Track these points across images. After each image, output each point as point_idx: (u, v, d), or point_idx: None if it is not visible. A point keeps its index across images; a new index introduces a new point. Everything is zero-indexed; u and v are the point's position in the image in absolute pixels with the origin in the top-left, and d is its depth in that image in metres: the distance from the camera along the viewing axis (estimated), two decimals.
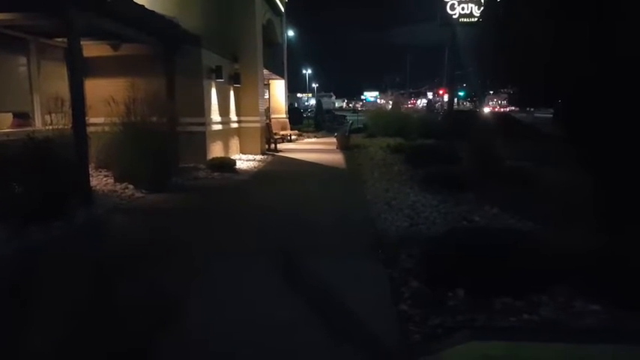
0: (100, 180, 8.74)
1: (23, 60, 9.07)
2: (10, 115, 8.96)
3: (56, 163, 5.97)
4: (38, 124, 8.93)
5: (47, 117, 7.78)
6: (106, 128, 8.56)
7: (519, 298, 3.54)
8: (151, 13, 9.26)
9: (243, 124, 14.78)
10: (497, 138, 10.57)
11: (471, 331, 3.10)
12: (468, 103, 65.37)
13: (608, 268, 3.57)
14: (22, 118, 9.06)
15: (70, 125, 7.06)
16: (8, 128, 8.45)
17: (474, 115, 25.83)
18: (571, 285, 3.68)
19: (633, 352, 2.88)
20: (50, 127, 7.36)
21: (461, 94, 60.12)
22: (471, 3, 25.82)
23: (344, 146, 16.54)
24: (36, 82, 9.19)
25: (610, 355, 2.81)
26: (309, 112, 44.99)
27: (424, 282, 3.90)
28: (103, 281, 4.21)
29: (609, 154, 4.36)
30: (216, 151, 12.19)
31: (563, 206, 5.86)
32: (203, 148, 11.36)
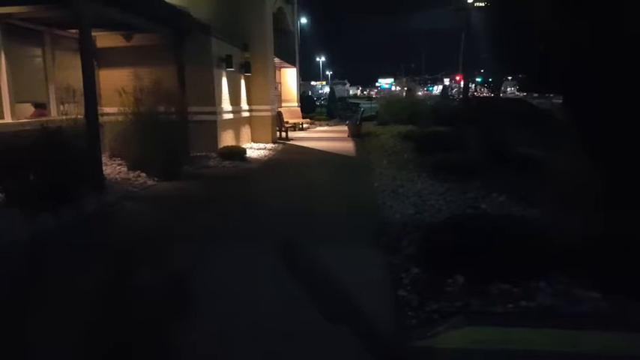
0: (113, 168, 8.92)
1: (39, 51, 9.25)
2: (30, 106, 9.16)
3: (69, 151, 6.13)
4: (54, 113, 9.11)
5: (62, 107, 7.96)
6: (120, 118, 8.73)
7: (518, 285, 3.57)
8: (161, 3, 9.36)
9: (254, 113, 14.88)
10: (509, 124, 10.49)
11: (467, 316, 3.17)
12: (485, 89, 64.56)
13: (606, 252, 3.58)
14: (39, 108, 9.26)
15: (83, 115, 7.21)
16: (27, 118, 8.65)
17: (488, 101, 25.56)
18: (571, 271, 3.71)
19: (626, 338, 2.92)
20: (64, 117, 7.55)
21: (478, 79, 59.37)
22: None
23: (355, 134, 16.55)
24: (51, 72, 9.37)
25: (603, 342, 2.86)
26: (323, 99, 44.88)
27: (424, 268, 3.96)
28: (113, 266, 4.35)
29: (614, 137, 4.33)
30: (227, 139, 12.32)
31: (569, 193, 5.86)
32: (214, 137, 11.49)
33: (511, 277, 3.64)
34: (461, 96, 32.12)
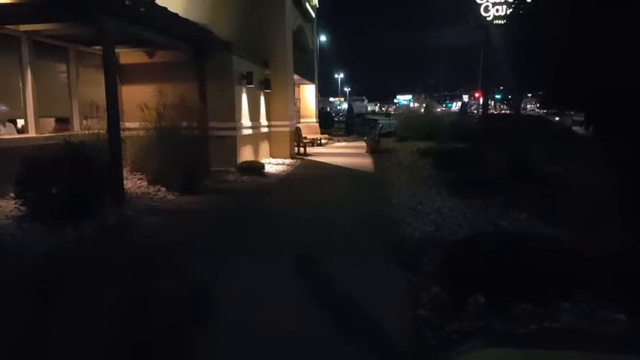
0: (134, 182, 9.03)
1: (63, 67, 9.49)
2: (51, 120, 9.38)
3: (91, 165, 6.22)
4: (77, 128, 9.30)
5: (85, 122, 8.12)
6: (141, 133, 8.88)
7: (540, 305, 3.48)
8: (184, 21, 9.54)
9: (272, 129, 14.99)
10: (529, 141, 10.37)
11: (488, 337, 3.09)
12: (504, 106, 64.06)
13: (633, 273, 3.49)
14: (62, 122, 9.46)
15: (106, 129, 7.35)
16: (50, 132, 8.84)
17: (507, 117, 25.35)
18: (595, 292, 3.61)
19: None
20: (87, 132, 7.69)
21: (497, 96, 58.96)
22: (505, 5, 25.42)
23: (373, 150, 16.54)
24: (75, 88, 9.59)
25: None
26: (341, 115, 45.04)
27: (444, 287, 3.89)
28: (132, 277, 4.37)
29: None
30: (246, 154, 12.41)
31: (592, 211, 5.73)
32: (233, 152, 11.59)
33: (534, 296, 3.53)
34: (480, 112, 31.93)
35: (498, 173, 8.73)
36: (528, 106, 70.32)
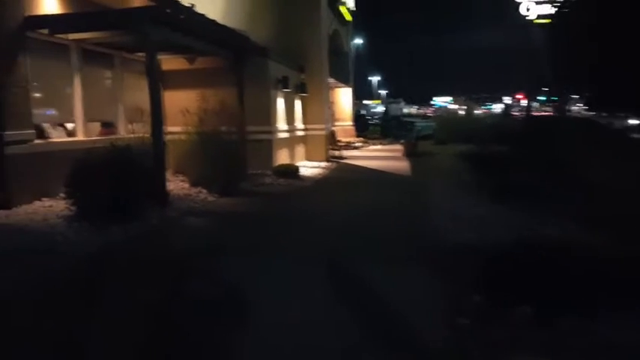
0: (176, 184, 9.33)
1: (109, 74, 9.91)
2: (98, 124, 9.81)
3: (136, 168, 6.48)
4: (122, 132, 9.69)
5: (129, 126, 8.45)
6: (183, 137, 9.17)
7: (588, 318, 3.33)
8: (222, 27, 9.81)
9: (308, 132, 15.13)
10: (577, 146, 10.03)
11: (533, 348, 3.02)
12: (548, 108, 62.34)
13: None
14: (108, 126, 9.87)
15: (150, 133, 7.65)
16: (96, 136, 9.25)
17: (552, 120, 24.65)
18: None
19: None
20: (132, 135, 8.02)
21: (541, 98, 57.29)
22: (548, 4, 24.83)
23: (410, 153, 16.41)
24: (120, 93, 9.99)
25: None
26: (377, 118, 44.81)
27: (486, 296, 3.72)
28: (178, 277, 4.54)
29: None
30: (281, 158, 12.59)
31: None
32: (270, 156, 11.78)
33: (581, 308, 3.39)
34: (523, 115, 31.19)
35: (542, 179, 8.47)
36: (573, 108, 68.12)
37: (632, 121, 27.40)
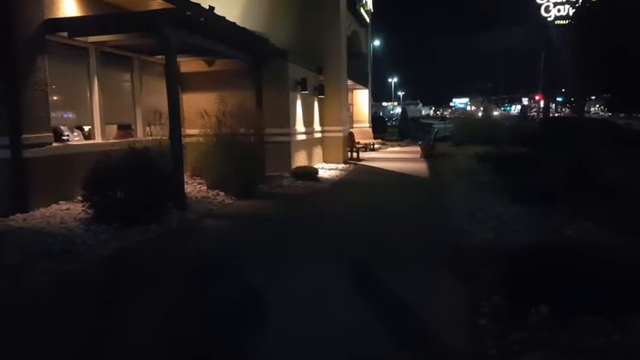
0: (194, 187, 9.31)
1: (127, 76, 9.94)
2: (115, 127, 9.85)
3: (154, 171, 6.45)
4: (140, 134, 9.71)
5: (147, 128, 8.45)
6: (201, 139, 9.17)
7: (610, 318, 3.28)
8: (241, 30, 9.78)
9: (326, 134, 15.07)
10: (595, 147, 9.87)
11: (552, 349, 2.95)
12: (567, 109, 61.49)
13: None
14: (125, 129, 9.90)
15: (168, 136, 7.63)
16: (114, 139, 9.28)
17: (571, 121, 24.26)
18: None
19: None
20: (150, 138, 8.01)
21: (559, 99, 56.67)
22: (567, 4, 24.42)
23: (428, 155, 16.27)
24: (138, 96, 10.02)
25: None
26: (394, 120, 44.64)
27: (506, 297, 3.74)
28: (196, 277, 4.54)
29: None
30: (300, 160, 12.53)
31: None
32: (288, 158, 11.74)
33: (602, 309, 3.34)
34: (541, 116, 30.75)
35: (561, 180, 8.34)
36: (592, 109, 67.03)
37: None
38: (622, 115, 33.73)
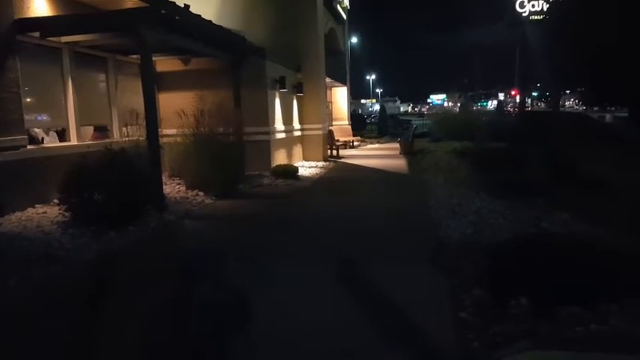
0: (173, 188, 9.21)
1: (102, 77, 9.77)
2: (91, 129, 9.68)
3: (131, 172, 6.36)
4: (116, 135, 9.56)
5: (124, 129, 8.33)
6: (178, 139, 9.07)
7: (587, 308, 3.36)
8: (218, 28, 9.70)
9: (305, 132, 15.06)
10: (570, 140, 10.08)
11: (533, 340, 3.00)
12: (542, 104, 62.63)
13: None
14: (101, 130, 9.74)
15: (145, 136, 7.53)
16: (90, 140, 9.12)
17: (546, 115, 24.69)
18: None
19: None
20: (126, 139, 7.90)
21: (534, 94, 57.69)
22: (541, 0, 24.82)
23: (407, 151, 16.39)
24: (114, 96, 9.86)
25: None
26: (373, 117, 44.85)
27: (487, 290, 3.80)
28: (178, 279, 4.49)
29: None
30: (279, 158, 12.49)
31: (637, 212, 5.50)
32: (267, 156, 11.69)
33: (580, 299, 3.41)
34: (517, 110, 31.22)
35: (538, 173, 8.50)
36: (567, 103, 68.30)
37: (620, 114, 27.92)
38: (596, 108, 34.52)
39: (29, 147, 7.53)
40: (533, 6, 25.07)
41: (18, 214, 6.93)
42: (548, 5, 23.86)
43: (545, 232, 5.51)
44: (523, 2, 25.17)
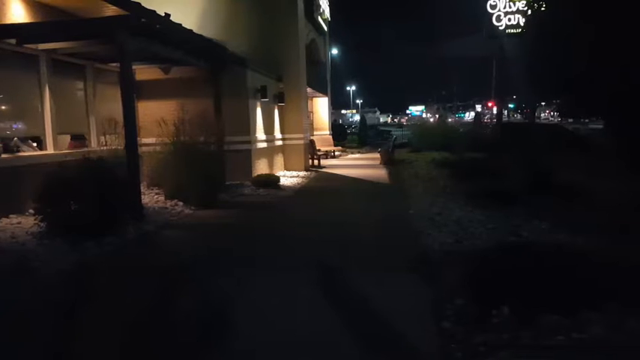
0: (151, 197, 9.08)
1: (81, 85, 9.62)
2: (69, 137, 9.49)
3: (109, 181, 6.25)
4: (94, 144, 9.40)
5: (102, 138, 8.21)
6: (158, 148, 8.95)
7: (568, 316, 3.40)
8: (199, 37, 9.65)
9: (287, 142, 15.04)
10: (547, 150, 10.26)
11: (515, 349, 3.02)
12: (518, 115, 63.84)
13: None
14: (78, 139, 9.56)
15: (123, 146, 7.41)
16: (67, 149, 8.94)
17: (523, 127, 25.16)
18: (623, 302, 3.51)
19: None
20: (104, 148, 7.77)
21: (511, 105, 58.80)
22: (518, 14, 25.37)
23: (388, 161, 16.49)
24: (92, 105, 9.71)
25: None
26: (354, 127, 45.08)
27: (468, 299, 3.81)
28: (156, 290, 4.39)
29: None
30: (261, 168, 12.44)
31: (614, 219, 5.62)
32: (249, 166, 11.63)
33: (561, 307, 3.46)
34: (494, 122, 31.74)
35: (516, 183, 8.63)
36: (542, 115, 69.74)
37: (594, 126, 28.71)
38: (570, 120, 35.32)
39: (3, 156, 7.35)
40: (509, 20, 25.58)
41: None
42: (524, 19, 24.41)
43: (525, 241, 5.58)
44: (500, 16, 25.68)
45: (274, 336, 3.41)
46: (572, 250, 4.29)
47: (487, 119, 52.60)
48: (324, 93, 21.03)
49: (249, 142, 11.72)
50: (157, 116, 9.09)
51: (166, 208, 8.28)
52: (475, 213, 7.26)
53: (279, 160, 14.54)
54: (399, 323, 3.54)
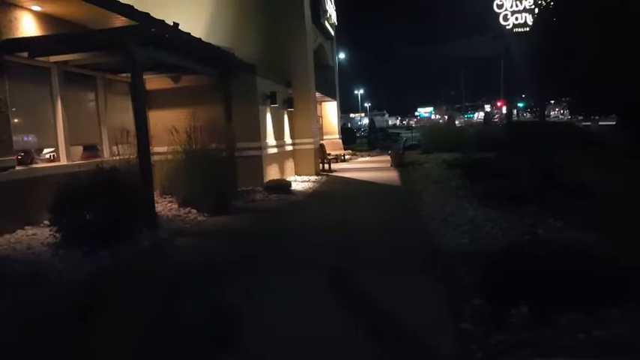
0: (164, 205, 9.13)
1: (92, 96, 9.71)
2: (81, 148, 9.59)
3: (123, 190, 6.29)
4: (106, 154, 9.48)
5: (114, 148, 8.27)
6: (170, 156, 9.02)
7: (588, 314, 3.35)
8: (207, 45, 9.72)
9: (297, 147, 15.07)
10: (559, 148, 10.17)
11: (535, 348, 2.98)
12: (527, 114, 63.44)
13: None
14: (91, 150, 9.65)
15: (135, 155, 7.47)
16: (80, 160, 9.03)
17: (533, 125, 24.97)
18: None
19: None
20: (117, 158, 7.83)
21: (520, 105, 58.48)
22: (525, 12, 25.25)
23: (398, 163, 16.43)
24: (103, 115, 9.80)
25: None
26: (363, 131, 45.05)
27: (486, 299, 3.78)
28: (172, 298, 4.41)
29: None
30: (272, 173, 12.46)
31: (629, 218, 5.54)
32: (260, 172, 11.66)
33: (580, 306, 3.40)
34: (504, 121, 31.55)
35: (529, 181, 8.55)
36: (552, 113, 69.20)
37: (604, 123, 28.46)
38: (580, 117, 35.00)
39: (18, 168, 7.44)
40: (516, 19, 25.48)
41: (7, 236, 6.82)
42: (532, 18, 24.28)
43: (541, 240, 5.51)
44: (507, 15, 25.58)
45: (291, 337, 3.41)
46: (588, 249, 4.22)
47: (497, 119, 52.32)
48: (333, 97, 21.06)
49: (259, 148, 11.75)
50: (168, 125, 9.17)
51: (180, 215, 8.32)
52: (488, 213, 7.20)
53: (289, 165, 14.57)
54: (419, 324, 3.52)
